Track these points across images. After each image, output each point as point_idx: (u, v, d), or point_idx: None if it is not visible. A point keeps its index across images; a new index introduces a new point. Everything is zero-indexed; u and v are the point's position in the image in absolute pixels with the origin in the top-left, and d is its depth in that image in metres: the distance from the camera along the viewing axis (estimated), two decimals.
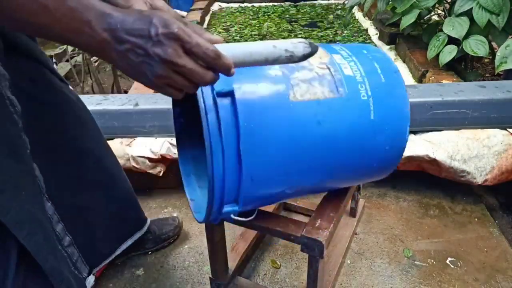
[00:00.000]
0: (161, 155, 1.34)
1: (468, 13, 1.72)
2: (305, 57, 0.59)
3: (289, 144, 0.69)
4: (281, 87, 0.69)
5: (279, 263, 1.20)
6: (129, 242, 1.14)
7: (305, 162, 0.71)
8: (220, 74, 0.54)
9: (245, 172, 0.67)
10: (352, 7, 2.44)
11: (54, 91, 0.86)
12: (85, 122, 0.94)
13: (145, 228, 1.18)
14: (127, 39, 0.49)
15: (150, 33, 0.48)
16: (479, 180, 1.30)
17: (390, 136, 0.76)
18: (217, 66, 0.52)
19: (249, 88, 0.67)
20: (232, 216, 0.80)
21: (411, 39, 2.35)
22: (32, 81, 0.81)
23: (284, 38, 3.03)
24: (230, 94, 0.65)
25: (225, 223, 0.88)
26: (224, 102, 0.65)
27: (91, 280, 1.04)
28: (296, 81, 0.70)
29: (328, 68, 0.73)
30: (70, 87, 0.94)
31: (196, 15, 3.34)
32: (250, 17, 3.66)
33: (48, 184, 0.85)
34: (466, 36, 1.72)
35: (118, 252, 1.12)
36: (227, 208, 0.71)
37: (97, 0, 0.49)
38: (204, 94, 0.64)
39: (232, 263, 1.04)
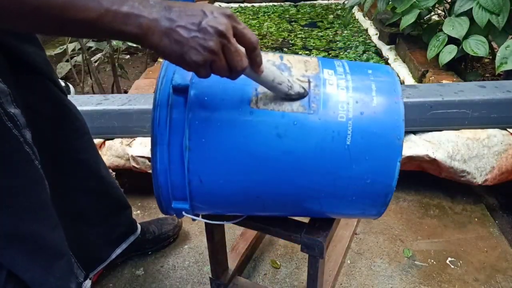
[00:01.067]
0: None
1: (468, 13, 1.72)
2: (299, 95, 0.66)
3: (242, 152, 0.65)
4: (244, 91, 0.65)
5: (279, 263, 1.20)
6: (124, 246, 1.16)
7: (264, 174, 0.66)
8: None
9: (192, 171, 0.66)
10: (352, 7, 2.44)
11: (55, 105, 0.88)
12: (82, 134, 0.97)
13: (138, 231, 1.19)
14: (178, 18, 0.50)
15: (205, 12, 0.51)
16: (479, 180, 1.30)
17: (372, 169, 0.66)
18: (253, 55, 0.55)
19: (208, 87, 0.65)
20: (200, 218, 0.79)
21: (411, 39, 2.35)
22: (35, 95, 0.82)
23: (284, 38, 3.03)
24: (185, 89, 0.65)
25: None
26: (178, 95, 0.65)
27: (87, 284, 1.04)
28: (264, 89, 0.66)
29: (309, 82, 0.68)
30: (69, 97, 0.96)
31: None
32: (250, 17, 3.66)
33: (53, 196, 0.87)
34: (466, 36, 1.72)
35: (113, 256, 1.14)
36: (177, 205, 0.70)
37: None
38: (163, 86, 0.66)
39: (232, 263, 1.04)
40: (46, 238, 0.82)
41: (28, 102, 0.78)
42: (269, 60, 0.70)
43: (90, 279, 1.06)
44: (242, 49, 0.54)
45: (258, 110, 0.65)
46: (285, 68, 0.69)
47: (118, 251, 1.14)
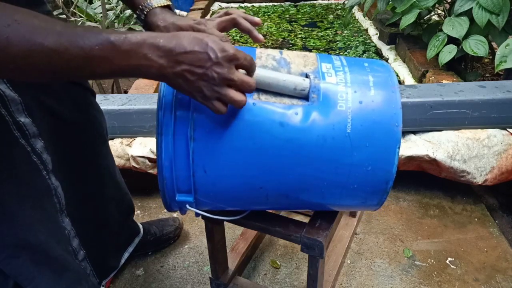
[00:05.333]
0: None
1: (468, 13, 1.72)
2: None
3: (246, 141, 0.66)
4: None
5: (279, 263, 1.20)
6: (130, 250, 1.16)
7: (267, 163, 0.68)
8: None
9: (197, 161, 0.66)
10: (352, 7, 2.44)
11: (81, 109, 0.88)
12: (104, 140, 0.97)
13: (141, 232, 1.20)
14: (184, 61, 0.53)
15: (209, 56, 0.54)
16: (479, 180, 1.30)
17: (373, 156, 0.68)
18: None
19: None
20: (204, 214, 0.78)
21: (411, 39, 2.35)
22: (61, 100, 0.82)
23: (284, 38, 3.03)
24: None
25: (225, 223, 0.88)
26: None
27: None
28: None
29: (307, 76, 0.69)
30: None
31: (196, 15, 3.34)
32: None
33: (69, 201, 0.87)
34: (466, 36, 1.72)
35: (123, 261, 1.13)
36: (180, 197, 0.70)
37: (146, 33, 0.53)
38: None
39: (232, 263, 1.04)
40: (53, 249, 0.81)
41: (52, 108, 0.78)
42: (269, 55, 0.71)
43: (103, 286, 1.07)
44: (246, 77, 0.58)
45: (260, 101, 0.67)
46: (285, 62, 0.71)
47: (126, 255, 1.14)
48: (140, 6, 0.71)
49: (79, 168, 0.89)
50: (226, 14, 0.77)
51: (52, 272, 0.82)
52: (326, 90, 0.68)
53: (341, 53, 2.69)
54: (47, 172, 0.78)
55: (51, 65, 0.48)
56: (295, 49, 2.80)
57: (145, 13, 0.71)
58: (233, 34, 3.17)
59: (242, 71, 0.60)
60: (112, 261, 1.09)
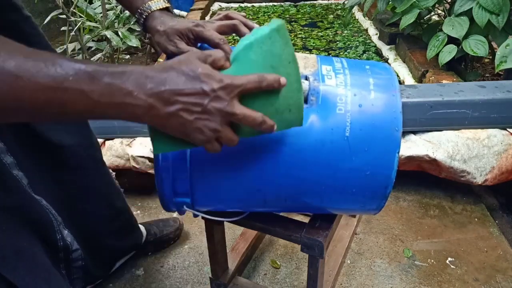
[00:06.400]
0: None
1: (468, 13, 1.72)
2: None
3: (242, 143, 0.63)
4: None
5: (279, 263, 1.20)
6: (122, 261, 1.19)
7: (264, 167, 0.67)
8: None
9: (194, 163, 0.66)
10: (352, 7, 2.44)
11: (72, 133, 0.92)
12: (97, 160, 1.00)
13: (141, 244, 1.21)
14: (178, 99, 0.46)
15: (204, 90, 0.47)
16: (479, 180, 1.30)
17: (372, 160, 0.67)
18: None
19: None
20: (204, 215, 0.79)
21: (411, 39, 2.35)
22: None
23: None
24: None
25: (225, 223, 0.88)
26: None
27: None
28: None
29: (307, 78, 0.69)
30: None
31: (196, 15, 3.34)
32: (250, 17, 3.66)
33: (63, 216, 0.92)
34: (466, 36, 1.72)
35: (111, 271, 1.16)
36: (178, 198, 0.70)
37: (131, 66, 0.46)
38: None
39: (232, 263, 1.04)
40: (39, 254, 0.83)
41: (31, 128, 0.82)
42: None
43: None
44: (249, 111, 0.50)
45: None
46: None
47: (117, 264, 1.17)
48: (139, 10, 0.68)
49: (69, 187, 0.93)
50: (227, 17, 0.72)
51: (44, 279, 0.82)
52: (325, 92, 0.67)
53: (341, 53, 2.69)
54: (26, 184, 0.82)
55: (10, 97, 0.40)
56: (295, 49, 2.80)
57: (144, 17, 0.68)
58: (233, 34, 3.17)
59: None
60: (100, 271, 1.11)
